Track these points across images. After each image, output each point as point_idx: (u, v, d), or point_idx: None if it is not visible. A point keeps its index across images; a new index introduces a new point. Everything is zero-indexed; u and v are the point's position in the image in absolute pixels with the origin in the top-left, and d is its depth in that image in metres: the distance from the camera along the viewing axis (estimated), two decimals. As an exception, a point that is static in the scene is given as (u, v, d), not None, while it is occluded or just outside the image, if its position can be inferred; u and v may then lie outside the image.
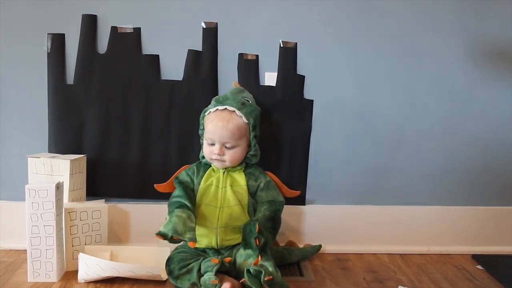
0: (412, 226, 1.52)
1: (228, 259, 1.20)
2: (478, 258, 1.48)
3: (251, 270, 1.12)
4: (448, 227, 1.53)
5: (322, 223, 1.50)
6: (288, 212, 1.49)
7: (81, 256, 1.23)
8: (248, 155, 1.30)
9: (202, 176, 1.29)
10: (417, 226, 1.52)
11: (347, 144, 1.50)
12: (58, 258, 1.25)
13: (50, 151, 1.43)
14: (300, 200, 1.50)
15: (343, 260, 1.45)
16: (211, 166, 1.31)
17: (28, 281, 1.24)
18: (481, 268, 1.42)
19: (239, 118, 1.26)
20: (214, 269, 1.14)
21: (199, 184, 1.28)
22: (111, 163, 1.45)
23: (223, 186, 1.28)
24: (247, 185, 1.29)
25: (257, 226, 1.15)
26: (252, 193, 1.29)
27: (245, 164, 1.31)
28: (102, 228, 1.35)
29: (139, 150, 1.45)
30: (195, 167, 1.32)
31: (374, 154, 1.50)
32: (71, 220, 1.29)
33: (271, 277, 1.10)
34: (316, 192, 1.50)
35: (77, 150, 1.43)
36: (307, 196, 1.50)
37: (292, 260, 1.38)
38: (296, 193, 1.39)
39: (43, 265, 1.23)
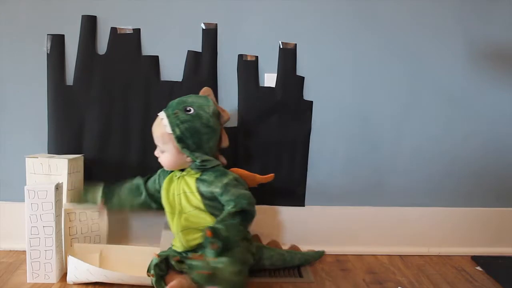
0: (411, 227, 1.52)
1: (176, 258, 1.21)
2: (477, 260, 1.48)
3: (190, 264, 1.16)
4: (448, 228, 1.53)
5: (322, 224, 1.50)
6: (287, 213, 1.50)
7: (71, 260, 1.22)
8: (197, 163, 1.25)
9: (164, 178, 1.30)
10: (416, 227, 1.52)
11: (346, 145, 1.50)
12: (58, 259, 1.25)
13: (49, 152, 1.43)
14: (300, 201, 1.50)
15: (342, 261, 1.45)
16: (173, 171, 1.30)
17: (28, 282, 1.24)
18: (480, 269, 1.42)
19: (164, 127, 1.24)
20: (152, 264, 1.18)
21: (162, 187, 1.30)
22: (110, 164, 1.45)
23: (178, 193, 1.26)
24: (198, 192, 1.24)
25: (208, 232, 1.12)
26: (211, 198, 1.24)
27: (200, 170, 1.26)
28: (102, 229, 1.35)
29: (138, 151, 1.45)
30: (160, 170, 1.33)
31: (373, 155, 1.50)
32: (70, 221, 1.29)
33: (210, 272, 1.11)
34: (316, 193, 1.50)
35: (77, 150, 1.43)
36: (307, 197, 1.50)
37: (294, 264, 1.38)
38: (270, 176, 1.35)
39: (42, 266, 1.23)
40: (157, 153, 1.29)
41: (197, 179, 1.25)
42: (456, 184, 1.53)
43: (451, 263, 1.46)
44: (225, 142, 1.32)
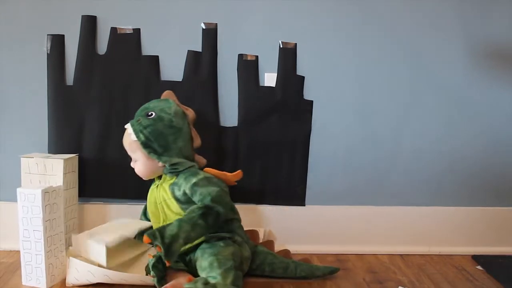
0: (412, 226, 1.52)
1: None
2: (478, 259, 1.47)
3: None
4: (448, 227, 1.53)
5: (322, 223, 1.50)
6: (288, 213, 1.50)
7: (72, 261, 1.20)
8: (167, 167, 1.25)
9: (149, 189, 1.32)
10: (417, 227, 1.52)
11: (347, 144, 1.50)
12: (49, 265, 1.22)
13: (50, 152, 1.43)
14: (300, 201, 1.50)
15: (343, 261, 1.45)
16: (154, 182, 1.31)
17: (23, 284, 1.22)
18: (481, 268, 1.42)
19: (130, 135, 1.26)
20: (149, 266, 1.16)
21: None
22: (111, 164, 1.45)
23: (160, 202, 1.26)
24: (174, 197, 1.24)
25: (145, 239, 1.10)
26: (186, 201, 1.23)
27: (174, 174, 1.25)
28: None
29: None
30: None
31: (374, 154, 1.50)
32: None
33: None
34: (316, 192, 1.50)
35: (77, 151, 1.43)
36: (307, 197, 1.50)
37: (297, 275, 1.29)
38: (238, 173, 1.28)
39: (34, 270, 1.21)
40: (132, 164, 1.30)
41: (171, 185, 1.25)
42: (457, 183, 1.53)
43: (452, 263, 1.46)
44: (197, 142, 1.32)
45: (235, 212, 1.30)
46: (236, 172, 1.28)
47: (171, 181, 1.25)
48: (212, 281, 1.10)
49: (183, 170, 1.25)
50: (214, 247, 1.19)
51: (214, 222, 1.18)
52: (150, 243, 1.10)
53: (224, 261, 1.15)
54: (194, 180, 1.22)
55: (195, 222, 1.14)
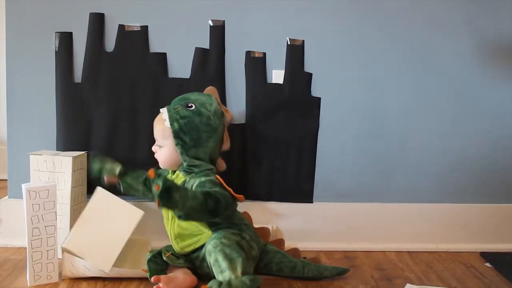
0: (420, 223, 1.52)
1: (168, 254, 1.22)
2: (486, 256, 1.47)
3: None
4: (457, 224, 1.53)
5: (330, 220, 1.50)
6: (295, 209, 1.50)
7: (67, 256, 1.21)
8: (184, 164, 1.25)
9: None
10: (425, 224, 1.52)
11: (355, 141, 1.49)
12: (58, 259, 1.23)
13: (58, 149, 1.44)
14: (308, 198, 1.50)
15: (351, 258, 1.45)
16: (169, 172, 1.30)
17: (29, 285, 1.21)
18: (489, 265, 1.42)
19: (163, 121, 1.25)
20: (146, 261, 1.19)
21: None
22: (119, 161, 1.44)
23: None
24: None
25: (149, 171, 1.10)
26: None
27: (187, 173, 1.25)
28: None
29: (146, 148, 1.44)
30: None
31: (382, 151, 1.50)
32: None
33: None
34: (324, 189, 1.50)
35: (85, 148, 1.43)
36: (315, 194, 1.50)
37: (305, 275, 1.28)
38: (240, 197, 1.22)
39: (44, 267, 1.21)
40: (154, 148, 1.29)
41: (182, 182, 1.24)
42: (465, 180, 1.52)
43: (460, 260, 1.46)
44: (226, 145, 1.31)
45: (241, 218, 1.28)
46: (239, 196, 1.23)
47: (183, 179, 1.25)
48: (222, 276, 1.09)
49: (198, 172, 1.24)
50: (220, 232, 1.19)
51: (212, 208, 1.14)
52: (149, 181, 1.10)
53: (228, 245, 1.13)
54: (204, 179, 1.20)
55: (196, 195, 1.12)
